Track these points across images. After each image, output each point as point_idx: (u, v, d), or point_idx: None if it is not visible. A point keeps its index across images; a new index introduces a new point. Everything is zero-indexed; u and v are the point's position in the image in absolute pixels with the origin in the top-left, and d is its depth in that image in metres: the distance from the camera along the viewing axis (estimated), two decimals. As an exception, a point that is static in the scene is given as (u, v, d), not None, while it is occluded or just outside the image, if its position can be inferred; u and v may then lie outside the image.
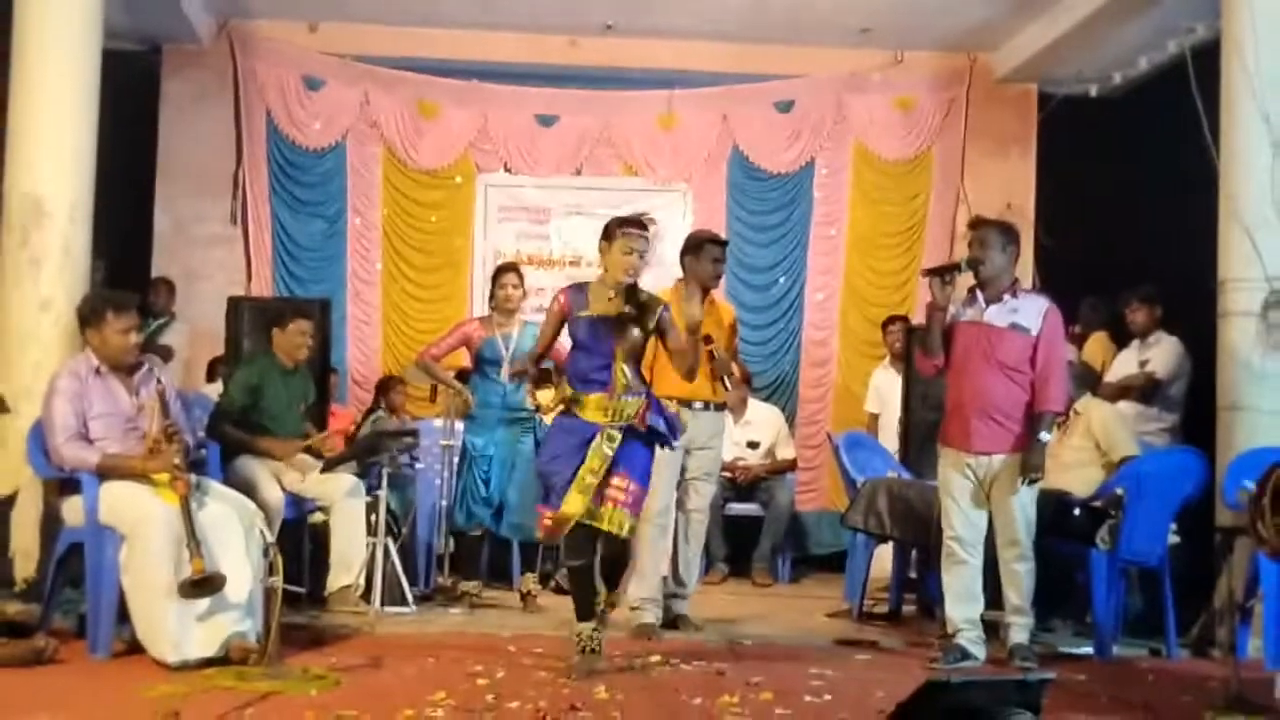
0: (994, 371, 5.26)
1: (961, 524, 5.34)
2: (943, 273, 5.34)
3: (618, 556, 4.97)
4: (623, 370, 4.83)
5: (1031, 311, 5.33)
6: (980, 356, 5.28)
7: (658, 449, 5.03)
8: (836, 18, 8.60)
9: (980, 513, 5.36)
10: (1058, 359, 5.35)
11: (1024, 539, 5.31)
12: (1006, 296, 5.34)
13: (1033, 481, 5.26)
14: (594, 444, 4.76)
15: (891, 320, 8.36)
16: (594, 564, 4.91)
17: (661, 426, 4.92)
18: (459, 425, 6.69)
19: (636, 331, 4.86)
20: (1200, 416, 6.55)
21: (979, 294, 5.37)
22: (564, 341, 5.11)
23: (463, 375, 6.99)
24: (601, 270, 4.94)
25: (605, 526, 4.76)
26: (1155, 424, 6.96)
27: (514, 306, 6.52)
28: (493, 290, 6.54)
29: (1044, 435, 5.26)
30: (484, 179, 9.23)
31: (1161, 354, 7.10)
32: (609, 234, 4.91)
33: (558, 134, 9.21)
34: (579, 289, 4.96)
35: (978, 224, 5.52)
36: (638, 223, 4.93)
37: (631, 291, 4.86)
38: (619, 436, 4.79)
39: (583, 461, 4.76)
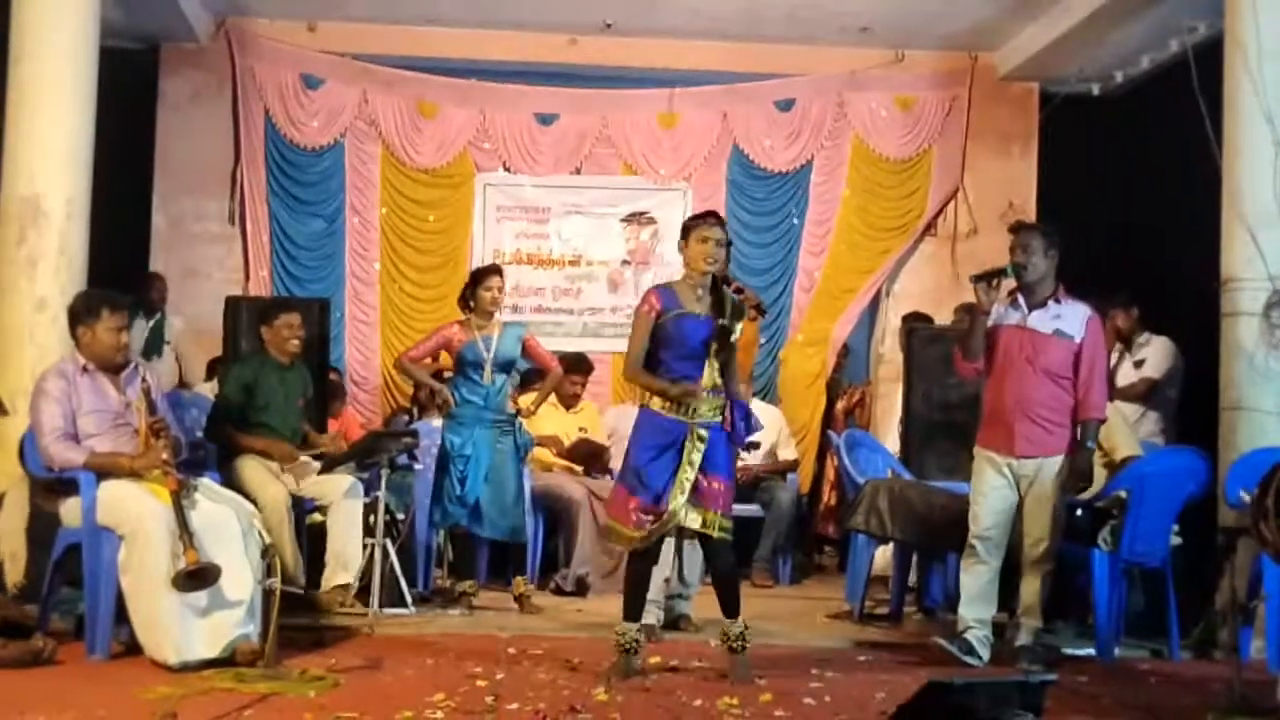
0: (1038, 376, 5.30)
1: (989, 526, 5.34)
2: (989, 277, 5.33)
3: (731, 576, 4.99)
4: (712, 369, 4.81)
5: (1075, 318, 5.36)
6: (1024, 361, 5.32)
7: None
8: (837, 16, 8.58)
9: (1008, 517, 5.36)
10: (1100, 366, 5.41)
11: (1053, 541, 5.33)
12: (1050, 303, 5.36)
13: (1080, 491, 5.28)
14: (686, 446, 4.77)
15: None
16: (653, 567, 4.99)
17: (741, 426, 4.90)
18: (436, 424, 6.70)
19: (734, 334, 4.84)
20: (1202, 417, 6.53)
21: (1021, 298, 5.37)
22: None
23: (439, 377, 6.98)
24: (684, 269, 4.94)
25: (711, 531, 4.83)
26: (1154, 424, 6.95)
27: (496, 309, 6.54)
28: (474, 292, 6.50)
29: (1089, 444, 5.32)
30: (483, 178, 9.20)
31: (1154, 354, 7.16)
32: (685, 233, 4.92)
33: (557, 133, 9.18)
34: (666, 289, 4.93)
35: (1021, 228, 5.51)
36: (711, 214, 5.01)
37: (716, 287, 4.87)
38: (707, 436, 4.80)
39: (679, 461, 4.77)
